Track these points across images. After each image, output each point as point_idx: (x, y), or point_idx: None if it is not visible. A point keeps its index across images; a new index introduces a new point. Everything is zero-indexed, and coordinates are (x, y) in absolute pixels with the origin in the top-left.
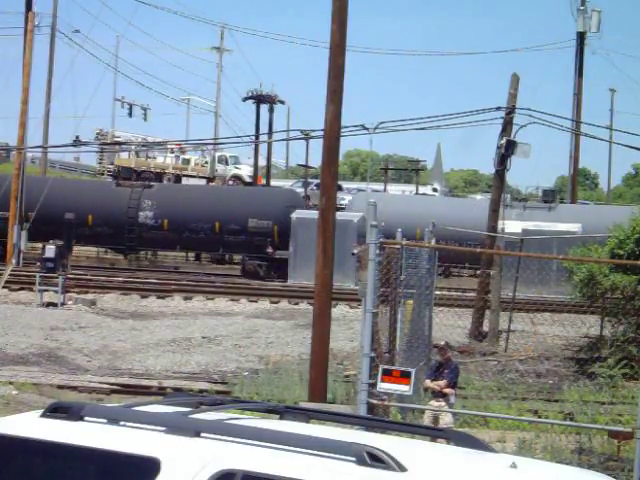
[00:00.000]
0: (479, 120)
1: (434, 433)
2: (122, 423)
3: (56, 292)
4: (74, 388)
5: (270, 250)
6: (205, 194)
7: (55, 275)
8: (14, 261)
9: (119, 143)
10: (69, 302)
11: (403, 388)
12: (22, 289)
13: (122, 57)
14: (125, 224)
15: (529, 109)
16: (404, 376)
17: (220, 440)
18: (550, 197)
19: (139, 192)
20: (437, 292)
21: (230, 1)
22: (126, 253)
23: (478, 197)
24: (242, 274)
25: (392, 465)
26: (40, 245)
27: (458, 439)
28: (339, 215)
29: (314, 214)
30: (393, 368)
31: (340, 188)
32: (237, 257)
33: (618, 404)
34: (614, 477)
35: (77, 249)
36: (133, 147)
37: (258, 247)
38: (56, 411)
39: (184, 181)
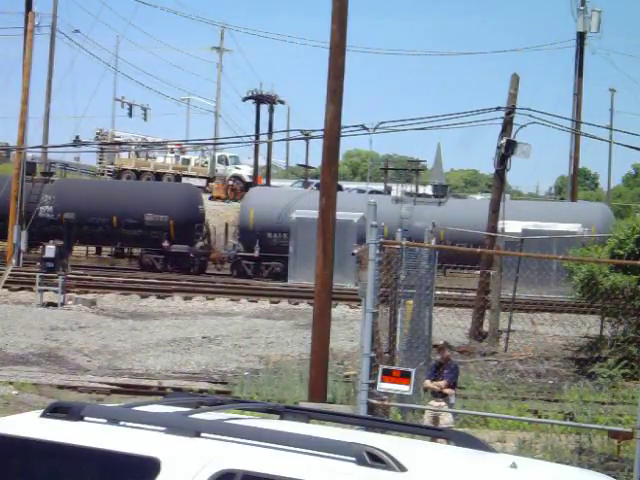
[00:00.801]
0: (479, 120)
1: (434, 433)
2: (122, 423)
3: (56, 292)
4: (74, 388)
5: (166, 244)
6: (104, 189)
7: (55, 275)
8: (14, 261)
9: (119, 143)
10: (69, 302)
11: (403, 388)
12: (22, 289)
13: (122, 57)
14: (26, 218)
15: (529, 109)
16: (404, 376)
17: (220, 440)
18: (441, 192)
19: (39, 187)
20: (437, 292)
21: (230, 1)
22: (28, 248)
23: (478, 197)
24: (140, 268)
25: (392, 465)
26: None
27: (458, 439)
28: (339, 215)
29: (314, 214)
30: (393, 368)
31: (340, 188)
32: (136, 251)
33: (618, 404)
34: (614, 477)
35: None
36: (133, 147)
37: (155, 241)
38: (56, 411)
39: (184, 181)
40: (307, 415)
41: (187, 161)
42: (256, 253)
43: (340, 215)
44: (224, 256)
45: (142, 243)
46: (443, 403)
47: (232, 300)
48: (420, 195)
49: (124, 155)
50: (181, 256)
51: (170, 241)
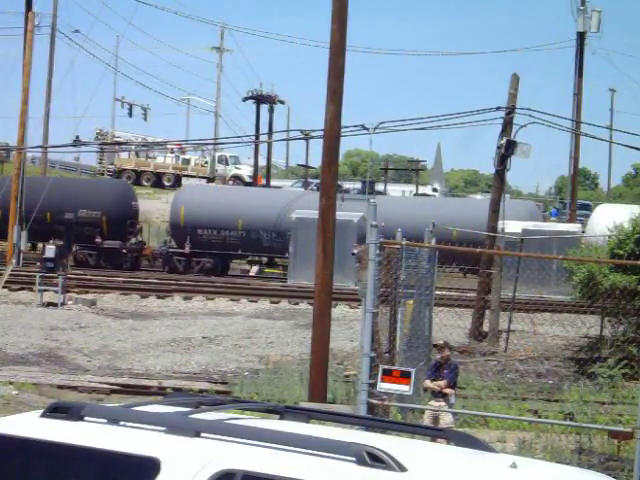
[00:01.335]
0: (479, 120)
1: (434, 433)
2: (122, 423)
3: (56, 292)
4: (74, 388)
5: (99, 240)
6: (37, 185)
7: (55, 275)
8: (14, 261)
9: (119, 143)
10: (69, 302)
11: (403, 388)
12: (22, 289)
13: (122, 57)
14: None
15: (529, 109)
16: (404, 376)
17: (220, 440)
18: (370, 189)
19: None
20: (437, 292)
21: (230, 1)
22: None
23: (478, 197)
24: (74, 264)
25: (392, 465)
26: None
27: (458, 439)
28: (339, 215)
29: (314, 214)
30: (393, 368)
31: (340, 188)
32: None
33: (618, 404)
34: (614, 477)
35: None
36: (133, 147)
37: (88, 237)
38: (56, 411)
39: (184, 181)
40: (307, 415)
41: (187, 161)
42: (187, 249)
43: (340, 215)
44: (156, 252)
45: (76, 239)
46: (443, 403)
47: (232, 300)
48: (347, 192)
49: (124, 155)
50: (114, 252)
51: (103, 237)
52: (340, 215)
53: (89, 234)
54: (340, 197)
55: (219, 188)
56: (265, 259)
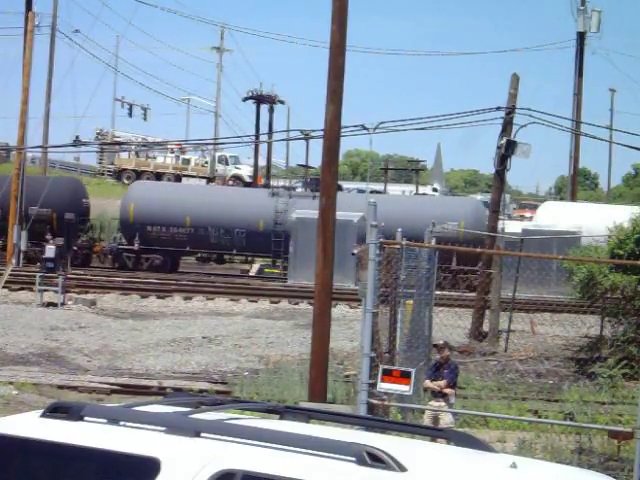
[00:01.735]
0: (479, 120)
1: (434, 433)
2: (122, 423)
3: (56, 292)
4: (74, 388)
5: (49, 237)
6: None
7: (55, 275)
8: (14, 261)
9: (119, 143)
10: (69, 302)
11: (403, 388)
12: (22, 289)
13: (122, 57)
14: None
15: (529, 109)
16: (404, 376)
17: (220, 440)
18: (314, 186)
19: None
20: (437, 292)
21: (230, 1)
22: None
23: (478, 197)
24: (25, 261)
25: (392, 465)
26: None
27: (458, 439)
28: (339, 215)
29: (314, 214)
30: (393, 368)
31: (340, 188)
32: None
33: (618, 404)
34: (614, 477)
35: None
36: (133, 147)
37: (39, 234)
38: (56, 411)
39: (184, 181)
40: (307, 415)
41: (187, 161)
42: (136, 246)
43: (340, 215)
44: (106, 249)
45: (27, 236)
46: (443, 403)
47: (232, 300)
48: (295, 189)
49: (124, 155)
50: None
51: (53, 234)
52: (340, 215)
53: (40, 231)
54: (288, 195)
55: (169, 185)
56: (214, 256)
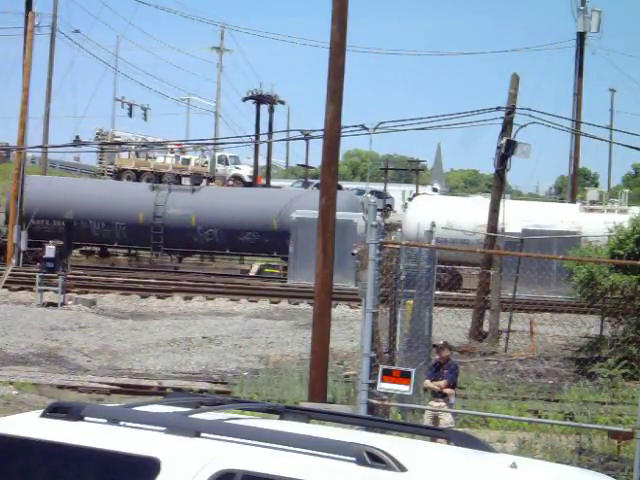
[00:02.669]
0: (479, 120)
1: (434, 433)
2: (122, 423)
3: (56, 292)
4: (74, 388)
5: None
6: None
7: (55, 275)
8: (14, 261)
9: (119, 143)
10: (69, 302)
11: (403, 388)
12: (22, 289)
13: (122, 57)
14: None
15: (529, 109)
16: (404, 376)
17: (220, 440)
18: (196, 181)
19: None
20: (437, 292)
21: (230, 1)
22: None
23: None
24: None
25: (392, 465)
26: None
27: (458, 439)
28: (339, 215)
29: (314, 214)
30: (393, 368)
31: (340, 188)
32: None
33: (618, 404)
34: (614, 477)
35: None
36: (133, 147)
37: None
38: (56, 411)
39: (184, 181)
40: (307, 415)
41: (187, 161)
42: None
43: (340, 215)
44: None
45: None
46: (443, 403)
47: (232, 300)
48: (176, 184)
49: (124, 155)
50: None
51: None
52: (340, 215)
53: None
54: (167, 189)
55: (54, 179)
56: (97, 249)
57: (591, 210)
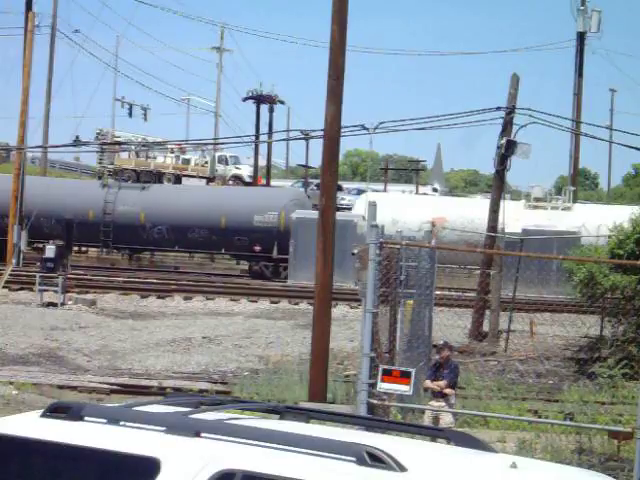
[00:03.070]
0: (479, 120)
1: (434, 433)
2: (122, 423)
3: (56, 292)
4: (74, 388)
5: None
6: None
7: (55, 275)
8: (14, 261)
9: (119, 143)
10: (69, 302)
11: (403, 388)
12: (22, 289)
13: (122, 57)
14: None
15: (529, 109)
16: (404, 376)
17: (220, 440)
18: (147, 178)
19: None
20: (437, 292)
21: (230, 1)
22: None
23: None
24: None
25: (392, 465)
26: None
27: (458, 439)
28: (339, 215)
29: (314, 214)
30: (393, 368)
31: (340, 188)
32: None
33: (618, 404)
34: (614, 477)
35: None
36: (133, 147)
37: None
38: (56, 411)
39: (184, 181)
40: (307, 415)
41: (187, 161)
42: None
43: (340, 215)
44: None
45: None
46: (443, 403)
47: (232, 300)
48: (125, 180)
49: (124, 155)
50: None
51: None
52: (340, 215)
53: None
54: (117, 185)
55: (4, 178)
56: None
57: (535, 207)
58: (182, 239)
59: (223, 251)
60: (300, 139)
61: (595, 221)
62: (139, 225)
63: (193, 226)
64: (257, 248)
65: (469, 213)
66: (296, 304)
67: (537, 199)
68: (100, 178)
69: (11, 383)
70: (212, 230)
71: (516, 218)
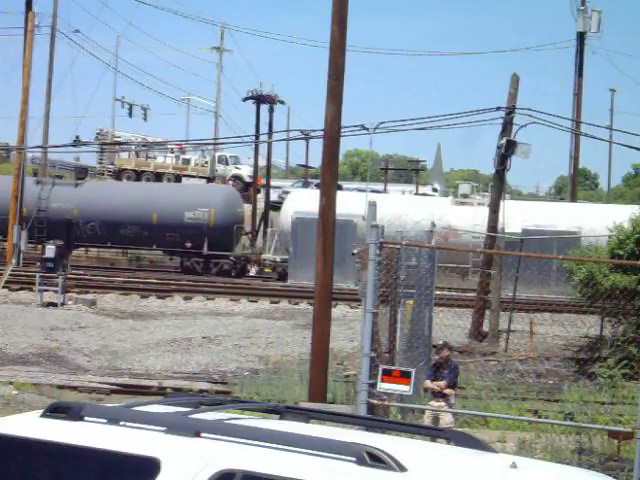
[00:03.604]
0: (479, 120)
1: (434, 433)
2: (122, 423)
3: (56, 292)
4: (74, 388)
5: None
6: None
7: (55, 275)
8: (14, 261)
9: (119, 143)
10: (69, 302)
11: (403, 388)
12: (22, 289)
13: (122, 57)
14: None
15: (529, 109)
16: (404, 376)
17: (220, 440)
18: (82, 174)
19: None
20: (437, 292)
21: (230, 1)
22: None
23: (478, 197)
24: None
25: (392, 465)
26: None
27: (458, 439)
28: (339, 215)
29: (314, 214)
30: (393, 368)
31: (340, 188)
32: None
33: (618, 404)
34: (614, 477)
35: None
36: (133, 147)
37: None
38: (56, 411)
39: (184, 181)
40: (307, 415)
41: (187, 161)
42: None
43: (340, 215)
44: None
45: None
46: (443, 403)
47: (232, 300)
48: (59, 177)
49: (124, 155)
50: None
51: None
52: (340, 215)
53: None
54: (51, 182)
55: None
56: None
57: (462, 204)
58: (114, 235)
59: (155, 247)
60: (300, 139)
61: (519, 217)
62: (73, 222)
63: (125, 222)
64: (188, 244)
65: (395, 209)
66: (296, 304)
67: (464, 195)
68: (35, 175)
69: (11, 383)
70: (144, 226)
71: (442, 214)
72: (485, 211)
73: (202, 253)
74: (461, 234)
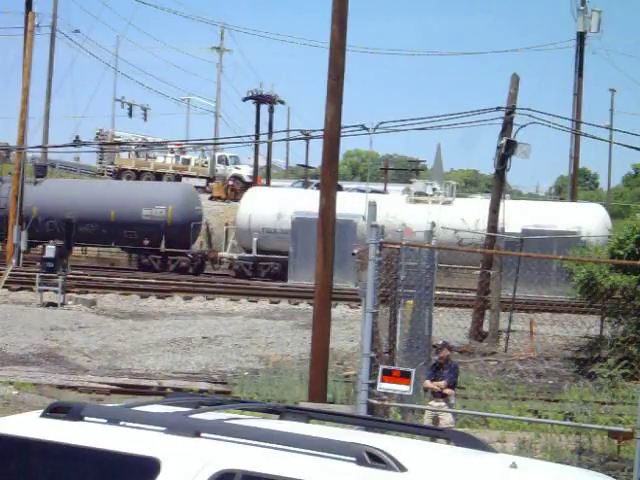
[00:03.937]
0: (479, 120)
1: (434, 433)
2: (122, 423)
3: (56, 292)
4: (74, 388)
5: None
6: None
7: (55, 275)
8: (14, 261)
9: (119, 143)
10: (69, 302)
11: (403, 388)
12: (22, 289)
13: (122, 57)
14: None
15: (529, 109)
16: (404, 376)
17: (220, 440)
18: (41, 172)
19: None
20: (437, 292)
21: (230, 1)
22: None
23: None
24: None
25: (392, 465)
26: None
27: (458, 439)
28: (339, 215)
29: (314, 214)
30: (393, 368)
31: (340, 188)
32: None
33: (618, 404)
34: (614, 477)
35: None
36: (133, 147)
37: None
38: (56, 411)
39: (184, 181)
40: (307, 415)
41: (187, 161)
42: None
43: (340, 215)
44: None
45: None
46: (443, 403)
47: (232, 300)
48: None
49: (124, 155)
50: None
51: None
52: (340, 215)
53: None
54: (9, 180)
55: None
56: None
57: (416, 201)
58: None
59: (113, 244)
60: (300, 139)
61: (474, 215)
62: (32, 220)
63: (84, 220)
64: (146, 242)
65: (357, 205)
66: (296, 304)
67: (418, 193)
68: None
69: (11, 383)
70: (102, 224)
71: (396, 212)
72: (439, 209)
73: (160, 250)
74: (415, 232)
